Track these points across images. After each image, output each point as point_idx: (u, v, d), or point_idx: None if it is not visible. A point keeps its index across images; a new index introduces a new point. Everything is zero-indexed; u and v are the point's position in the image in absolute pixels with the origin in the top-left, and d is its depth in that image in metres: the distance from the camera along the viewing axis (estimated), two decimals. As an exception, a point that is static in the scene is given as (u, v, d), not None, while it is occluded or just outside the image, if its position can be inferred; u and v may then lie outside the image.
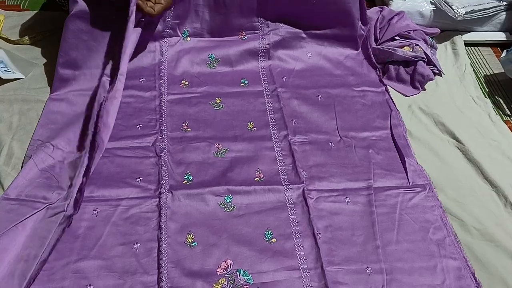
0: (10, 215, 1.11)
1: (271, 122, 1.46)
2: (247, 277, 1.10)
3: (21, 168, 1.24)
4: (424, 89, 1.62)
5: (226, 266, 1.12)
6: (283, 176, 1.30)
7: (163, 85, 1.52)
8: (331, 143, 1.41)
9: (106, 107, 1.23)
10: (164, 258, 1.11)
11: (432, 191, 1.31)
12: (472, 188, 1.34)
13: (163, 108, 1.45)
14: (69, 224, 1.13)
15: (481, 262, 1.18)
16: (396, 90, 1.62)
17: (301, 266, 1.12)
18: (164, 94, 1.49)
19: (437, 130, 1.49)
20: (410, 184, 1.32)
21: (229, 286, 1.08)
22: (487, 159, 1.40)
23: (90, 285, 1.05)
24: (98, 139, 1.20)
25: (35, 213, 1.13)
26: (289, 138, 1.40)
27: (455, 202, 1.30)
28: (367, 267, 1.14)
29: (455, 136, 1.45)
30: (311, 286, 1.09)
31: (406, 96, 1.60)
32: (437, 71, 1.66)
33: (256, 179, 1.30)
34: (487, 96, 1.65)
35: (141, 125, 1.40)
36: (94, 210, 1.18)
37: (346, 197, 1.27)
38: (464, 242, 1.22)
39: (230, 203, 1.23)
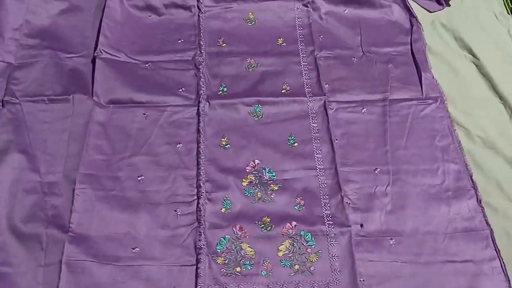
0: None
1: (300, 38, 1.57)
2: (271, 174, 1.30)
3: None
4: (449, 5, 1.67)
5: (254, 165, 1.31)
6: (307, 89, 1.45)
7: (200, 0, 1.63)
8: (354, 58, 1.53)
9: None
10: (202, 157, 1.31)
11: (443, 103, 1.43)
12: (481, 100, 1.45)
13: (201, 24, 1.59)
14: None
15: (479, 167, 1.32)
16: (420, 6, 1.67)
17: (318, 167, 1.31)
18: (202, 8, 1.61)
19: (455, 46, 1.57)
20: (424, 96, 1.44)
21: (256, 181, 1.29)
22: (500, 73, 1.48)
23: (141, 175, 1.28)
24: None
25: None
26: (315, 54, 1.53)
27: (463, 113, 1.42)
28: (376, 169, 1.31)
29: (472, 51, 1.53)
30: (325, 183, 1.28)
31: (430, 12, 1.66)
32: (463, -14, 1.69)
33: (283, 91, 1.45)
34: (510, 13, 1.67)
35: (182, 40, 1.55)
36: (144, 114, 1.38)
37: (363, 108, 1.42)
38: (467, 148, 1.35)
39: (259, 112, 1.41)
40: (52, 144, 1.31)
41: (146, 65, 1.48)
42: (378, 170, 1.31)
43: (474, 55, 1.53)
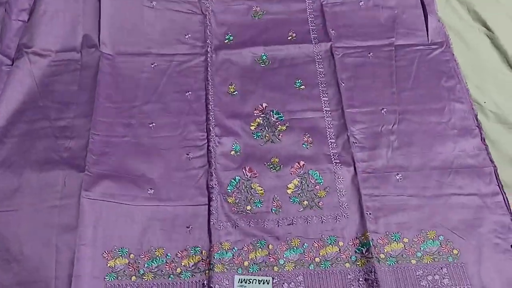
0: None
1: None
2: (279, 115, 1.32)
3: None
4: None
5: (262, 108, 1.34)
6: (313, 35, 1.46)
7: None
8: (361, 2, 1.52)
9: None
10: (211, 103, 1.34)
11: (449, 47, 1.44)
12: (495, 75, 1.44)
13: None
14: None
15: (492, 142, 1.30)
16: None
17: (325, 109, 1.33)
18: None
19: (469, 18, 1.53)
20: (429, 41, 1.45)
21: (264, 123, 1.31)
22: (514, 47, 1.45)
23: (152, 123, 1.31)
24: None
25: None
26: (321, 0, 1.52)
27: (477, 88, 1.40)
28: (382, 109, 1.33)
29: (486, 24, 1.50)
30: (332, 124, 1.30)
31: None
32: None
33: (289, 38, 1.47)
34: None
35: None
36: (152, 64, 1.41)
37: (370, 53, 1.43)
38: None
39: (266, 59, 1.43)
40: (61, 94, 1.34)
41: (151, 3, 1.49)
42: (385, 110, 1.33)
43: (488, 28, 1.50)
